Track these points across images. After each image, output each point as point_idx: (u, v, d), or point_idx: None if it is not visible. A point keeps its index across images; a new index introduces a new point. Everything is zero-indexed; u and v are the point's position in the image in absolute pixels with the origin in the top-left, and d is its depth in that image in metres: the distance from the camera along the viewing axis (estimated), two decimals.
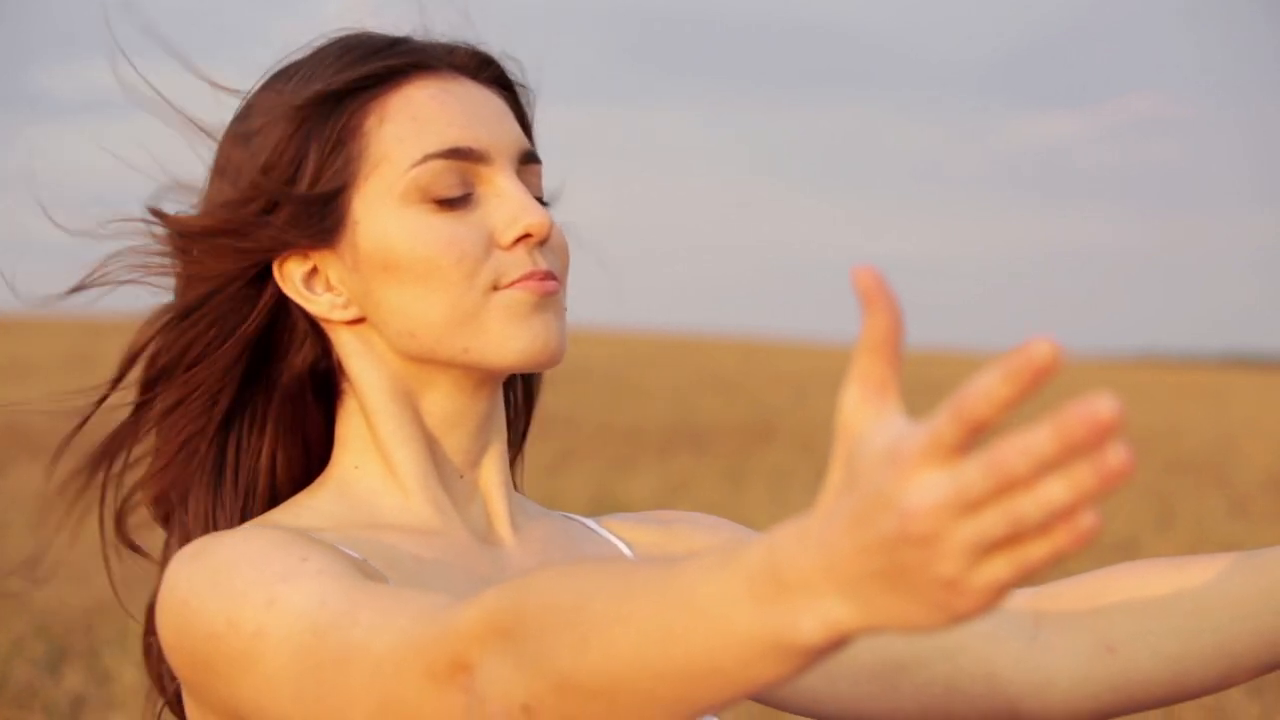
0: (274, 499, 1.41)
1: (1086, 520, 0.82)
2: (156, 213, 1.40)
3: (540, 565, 1.38)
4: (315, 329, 1.41)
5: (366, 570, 1.28)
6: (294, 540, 1.26)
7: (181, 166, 1.43)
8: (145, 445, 1.42)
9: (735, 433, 13.17)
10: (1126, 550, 7.98)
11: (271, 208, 1.37)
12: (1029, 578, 0.84)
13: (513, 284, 1.37)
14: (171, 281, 1.41)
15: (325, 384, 1.43)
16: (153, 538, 1.44)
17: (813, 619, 0.88)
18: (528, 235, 1.38)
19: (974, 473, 0.82)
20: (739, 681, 0.92)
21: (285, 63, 1.42)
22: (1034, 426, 0.81)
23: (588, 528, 1.50)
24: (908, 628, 0.86)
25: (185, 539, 1.38)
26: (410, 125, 1.39)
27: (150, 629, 1.42)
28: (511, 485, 1.46)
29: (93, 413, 1.43)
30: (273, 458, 1.41)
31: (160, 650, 1.41)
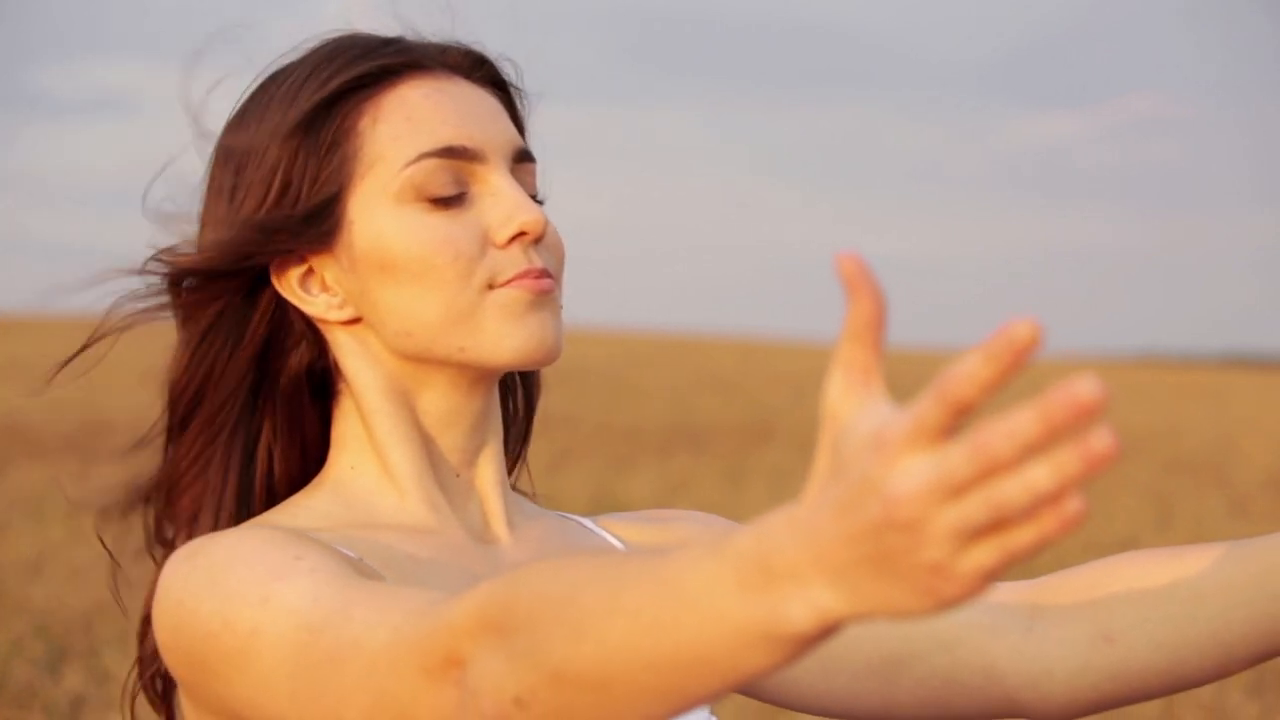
0: (271, 500, 1.41)
1: (1073, 506, 0.82)
2: (157, 259, 1.40)
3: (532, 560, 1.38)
4: (311, 330, 1.41)
5: (362, 569, 1.28)
6: (288, 539, 1.26)
7: (178, 171, 1.43)
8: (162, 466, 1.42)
9: (734, 432, 13.17)
10: (1126, 549, 7.98)
11: (270, 230, 1.37)
12: (1015, 564, 0.84)
13: (508, 282, 1.37)
14: (173, 310, 1.41)
15: (322, 385, 1.43)
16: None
17: (802, 607, 0.88)
18: (523, 233, 1.38)
19: (958, 456, 0.82)
20: (730, 671, 0.92)
21: (277, 66, 1.43)
22: (1017, 409, 0.81)
23: (584, 527, 1.50)
24: (896, 614, 0.87)
25: (187, 538, 1.38)
26: (404, 125, 1.39)
27: (145, 633, 1.42)
28: (508, 484, 1.46)
29: (158, 460, 1.42)
30: (269, 458, 1.42)
31: (155, 650, 1.41)
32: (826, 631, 0.89)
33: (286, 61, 1.42)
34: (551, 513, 1.51)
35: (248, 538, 1.27)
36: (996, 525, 0.83)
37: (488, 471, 1.43)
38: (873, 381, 0.88)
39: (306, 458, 1.43)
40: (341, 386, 1.42)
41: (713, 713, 1.44)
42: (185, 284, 1.38)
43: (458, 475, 1.42)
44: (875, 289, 0.88)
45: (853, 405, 0.88)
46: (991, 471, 0.82)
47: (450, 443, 1.41)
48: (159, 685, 1.43)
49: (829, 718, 1.48)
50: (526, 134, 1.47)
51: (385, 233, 1.38)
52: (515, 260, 1.38)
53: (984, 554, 0.84)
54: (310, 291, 1.40)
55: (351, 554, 1.30)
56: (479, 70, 1.46)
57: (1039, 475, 0.81)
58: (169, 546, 1.39)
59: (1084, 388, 0.80)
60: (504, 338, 1.37)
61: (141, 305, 1.41)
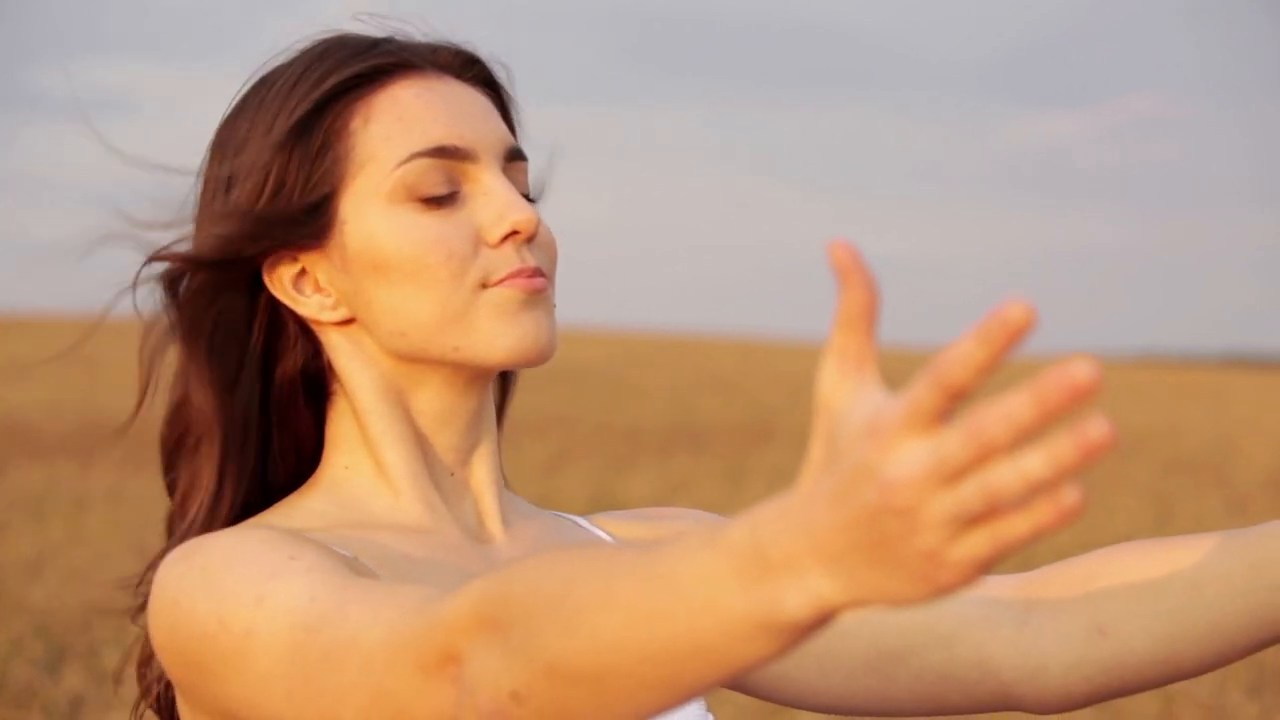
0: (265, 501, 1.42)
1: (1069, 497, 0.82)
2: (155, 257, 1.39)
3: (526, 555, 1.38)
4: (305, 331, 1.41)
5: (357, 568, 1.28)
6: (283, 539, 1.26)
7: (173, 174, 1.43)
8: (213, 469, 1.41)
9: (734, 432, 13.17)
10: None
11: (263, 223, 1.37)
12: (1010, 554, 0.83)
13: (501, 281, 1.37)
14: (172, 316, 1.40)
15: (316, 385, 1.43)
16: None
17: (798, 596, 0.88)
18: (515, 232, 1.38)
19: (954, 441, 0.82)
20: (726, 661, 0.92)
21: (268, 67, 1.43)
22: (1012, 392, 0.81)
23: (579, 525, 1.51)
24: (892, 601, 0.86)
25: (180, 543, 1.38)
26: (396, 125, 1.39)
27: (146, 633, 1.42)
28: (503, 483, 1.46)
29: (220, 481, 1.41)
30: (263, 459, 1.42)
31: (148, 654, 1.41)
32: (823, 620, 0.89)
33: (278, 62, 1.42)
34: (546, 512, 1.52)
35: (243, 538, 1.27)
36: (991, 513, 0.83)
37: (482, 470, 1.43)
38: (866, 369, 0.88)
39: (301, 458, 1.43)
40: (336, 387, 1.42)
41: (709, 710, 1.44)
42: (182, 286, 1.38)
43: (452, 474, 1.42)
44: (867, 277, 0.88)
45: (847, 393, 0.88)
46: (987, 455, 0.82)
47: (445, 442, 1.42)
48: (160, 692, 1.43)
49: (826, 714, 1.48)
50: (518, 133, 1.47)
51: (378, 233, 1.38)
52: (508, 259, 1.38)
53: (978, 542, 0.83)
54: (303, 292, 1.40)
55: (347, 553, 1.31)
56: (470, 70, 1.46)
57: (1034, 462, 0.81)
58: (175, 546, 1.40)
59: (1079, 370, 0.80)
60: (497, 337, 1.37)
61: (140, 300, 1.41)
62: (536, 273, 1.39)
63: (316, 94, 1.39)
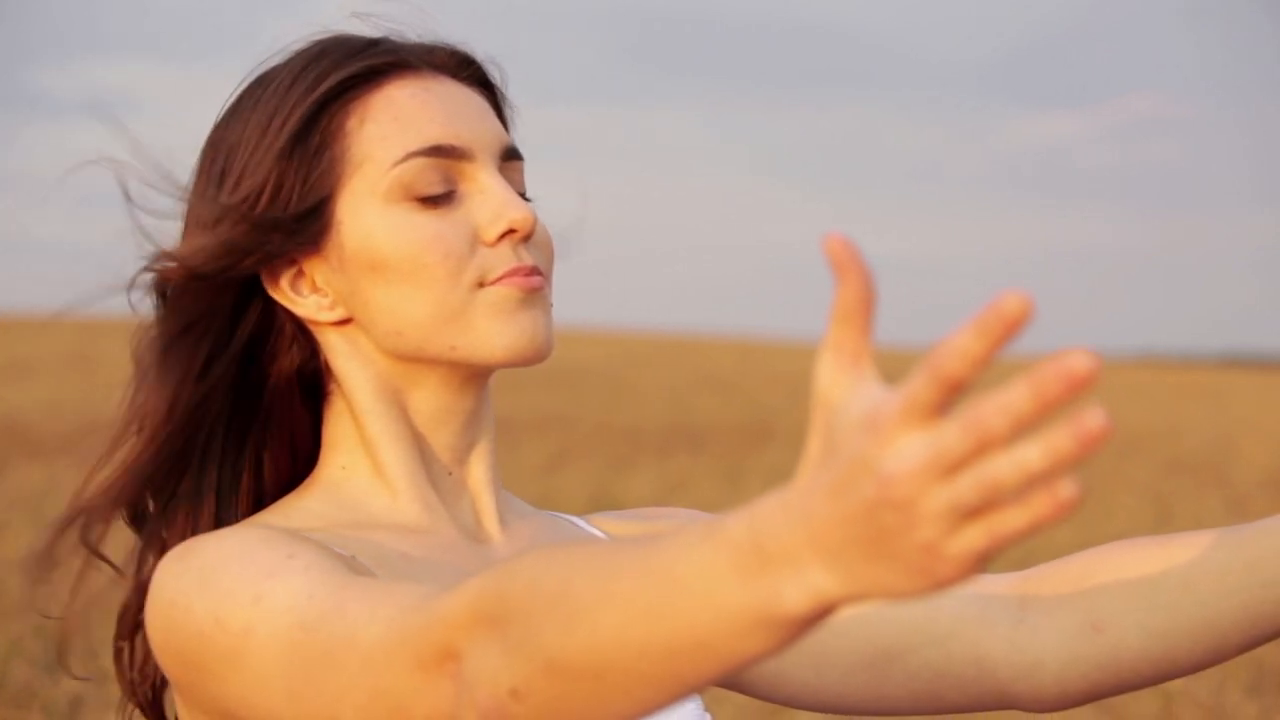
0: (261, 502, 1.42)
1: (1066, 490, 0.81)
2: (148, 269, 1.39)
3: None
4: (302, 331, 1.41)
5: (356, 567, 1.28)
6: (281, 538, 1.26)
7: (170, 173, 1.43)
8: (141, 460, 1.40)
9: (733, 433, 13.17)
10: None
11: (260, 235, 1.37)
12: (1007, 547, 0.83)
13: (498, 280, 1.37)
14: (161, 309, 1.40)
15: (312, 386, 1.43)
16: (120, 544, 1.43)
17: (796, 589, 0.88)
18: (512, 231, 1.38)
19: (952, 434, 0.82)
20: (726, 656, 0.92)
21: (264, 68, 1.43)
22: (1010, 384, 0.81)
23: (576, 525, 1.51)
24: (890, 595, 0.87)
25: (164, 547, 1.37)
26: (392, 124, 1.39)
27: (120, 634, 1.42)
28: (500, 482, 1.46)
29: (112, 451, 1.40)
30: (259, 460, 1.42)
31: (131, 657, 1.41)
32: (822, 614, 0.89)
33: (274, 62, 1.42)
34: (543, 512, 1.52)
35: (240, 537, 1.27)
36: (988, 506, 0.83)
37: (479, 470, 1.43)
38: (863, 363, 0.88)
39: (297, 459, 1.43)
40: (333, 387, 1.42)
41: (706, 710, 1.44)
42: (172, 288, 1.38)
43: (450, 474, 1.42)
44: (863, 271, 0.88)
45: (844, 387, 0.88)
46: (985, 447, 0.82)
47: (442, 441, 1.42)
48: (148, 692, 1.43)
49: (822, 712, 1.48)
50: (513, 133, 1.48)
51: (374, 232, 1.38)
52: (505, 258, 1.38)
53: (976, 535, 0.83)
54: (300, 293, 1.40)
55: (345, 553, 1.30)
56: (466, 70, 1.46)
57: (1030, 454, 0.81)
58: (161, 549, 1.39)
59: (1077, 361, 0.80)
60: (495, 336, 1.37)
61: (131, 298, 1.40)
62: (534, 271, 1.39)
63: (313, 96, 1.39)
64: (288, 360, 1.42)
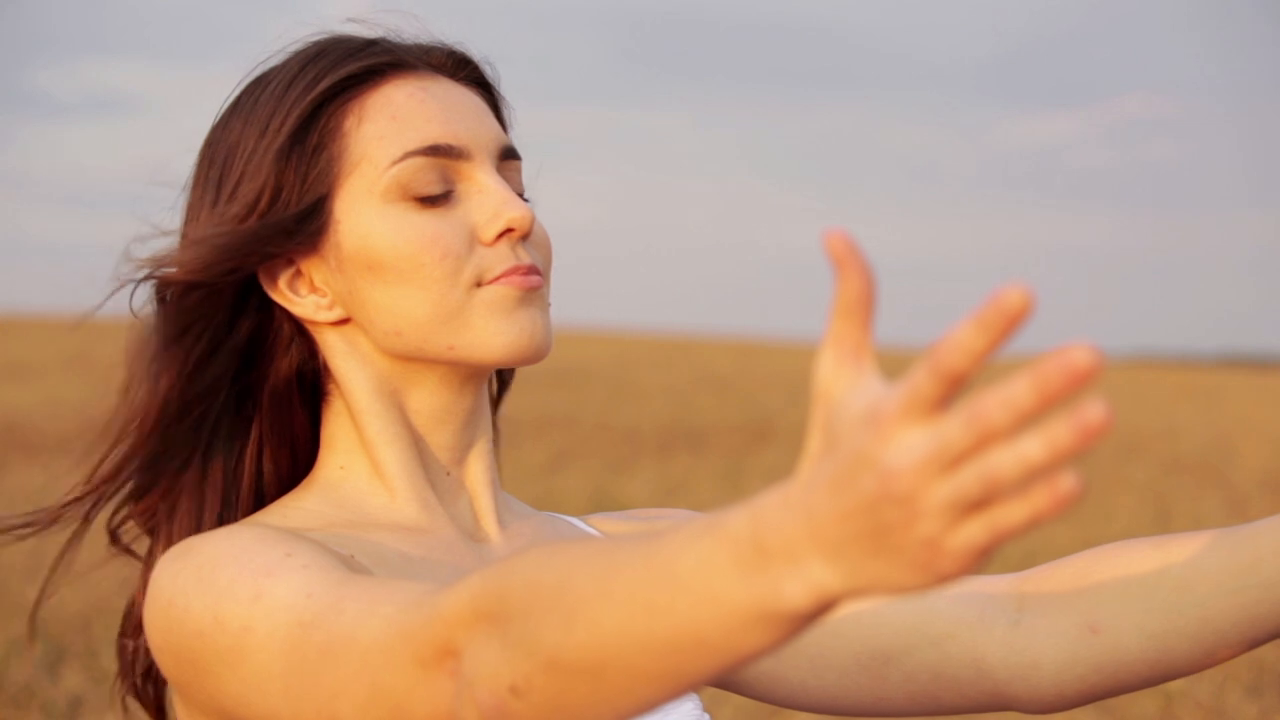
0: (259, 502, 1.42)
1: (1066, 483, 0.81)
2: (150, 275, 1.39)
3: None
4: (300, 331, 1.42)
5: (353, 566, 1.28)
6: (279, 536, 1.26)
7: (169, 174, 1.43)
8: (133, 457, 1.41)
9: (733, 433, 13.16)
10: None
11: (259, 238, 1.37)
12: (1007, 541, 0.83)
13: (496, 279, 1.38)
14: (159, 309, 1.40)
15: (311, 386, 1.43)
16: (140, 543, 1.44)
17: (797, 585, 0.88)
18: (510, 230, 1.38)
19: (954, 428, 0.82)
20: (726, 652, 0.92)
21: (261, 69, 1.43)
22: (1012, 379, 0.81)
23: (575, 526, 1.51)
24: (891, 590, 0.86)
25: (170, 544, 1.38)
26: (390, 124, 1.39)
27: (125, 632, 1.43)
28: (498, 482, 1.46)
29: (110, 451, 1.41)
30: (258, 460, 1.42)
31: (134, 653, 1.41)
32: (823, 609, 0.89)
33: (271, 63, 1.43)
34: (542, 513, 1.52)
35: (238, 536, 1.27)
36: (989, 500, 0.83)
37: (478, 469, 1.43)
38: (864, 358, 0.88)
39: (296, 459, 1.44)
40: (331, 387, 1.42)
41: (705, 710, 1.44)
42: (171, 292, 1.38)
43: (448, 473, 1.42)
44: (864, 265, 0.88)
45: (844, 382, 0.88)
46: (986, 441, 0.82)
47: (440, 441, 1.42)
48: (150, 690, 1.43)
49: (819, 713, 1.48)
50: (511, 133, 1.48)
51: (372, 232, 1.38)
52: (503, 257, 1.38)
53: (977, 530, 0.83)
54: (299, 293, 1.40)
55: (343, 552, 1.31)
56: (463, 70, 1.46)
57: (1031, 447, 0.81)
58: (155, 544, 1.40)
59: (1078, 356, 0.80)
60: (493, 335, 1.37)
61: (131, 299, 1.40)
62: (532, 270, 1.39)
63: (310, 96, 1.39)
64: (286, 360, 1.42)
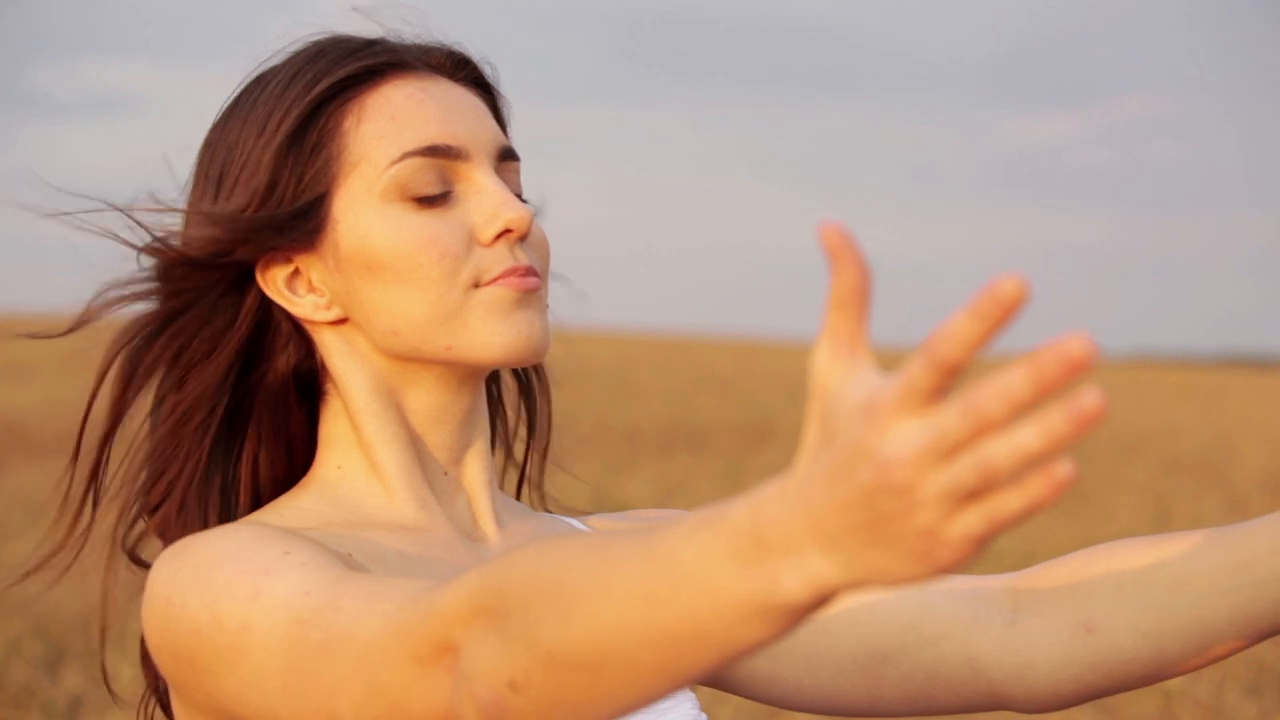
0: (257, 501, 1.42)
1: (1062, 470, 0.82)
2: (148, 249, 1.39)
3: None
4: (298, 331, 1.42)
5: (351, 564, 1.28)
6: (277, 535, 1.26)
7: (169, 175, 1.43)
8: (139, 459, 1.41)
9: (733, 432, 13.16)
10: None
11: (256, 227, 1.38)
12: (1005, 530, 0.83)
13: (494, 280, 1.38)
14: (157, 300, 1.40)
15: (309, 385, 1.43)
16: (152, 547, 1.44)
17: (796, 577, 0.88)
18: (508, 231, 1.38)
19: (950, 418, 0.82)
20: (725, 645, 0.92)
21: (260, 69, 1.43)
22: (1008, 369, 0.81)
23: (573, 527, 1.51)
24: (890, 581, 0.87)
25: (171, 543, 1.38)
26: (388, 124, 1.39)
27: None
28: (496, 482, 1.47)
29: (83, 427, 1.42)
30: (255, 460, 1.42)
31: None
32: (821, 601, 0.89)
33: (271, 63, 1.43)
34: (540, 513, 1.52)
35: (236, 534, 1.27)
36: (986, 489, 0.83)
37: (475, 469, 1.43)
38: (859, 350, 0.88)
39: (293, 459, 1.44)
40: (329, 387, 1.42)
41: (703, 710, 1.44)
42: (170, 278, 1.38)
43: (445, 473, 1.42)
44: (859, 258, 0.88)
45: (841, 374, 0.88)
46: (983, 431, 0.82)
47: (438, 441, 1.42)
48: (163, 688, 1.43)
49: (816, 713, 1.48)
50: (509, 134, 1.48)
51: (370, 232, 1.38)
52: (501, 258, 1.38)
53: (974, 519, 0.83)
54: (297, 292, 1.41)
55: (341, 551, 1.31)
56: (462, 71, 1.46)
57: (1027, 436, 0.81)
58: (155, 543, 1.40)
59: (1074, 346, 0.80)
60: (491, 336, 1.37)
61: (129, 291, 1.40)
62: (530, 271, 1.39)
63: (309, 96, 1.39)
64: (284, 360, 1.42)
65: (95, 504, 1.42)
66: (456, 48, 1.47)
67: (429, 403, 1.41)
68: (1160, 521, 9.31)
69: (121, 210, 1.39)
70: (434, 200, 1.38)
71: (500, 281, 1.38)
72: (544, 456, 1.54)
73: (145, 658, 1.43)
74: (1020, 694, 1.42)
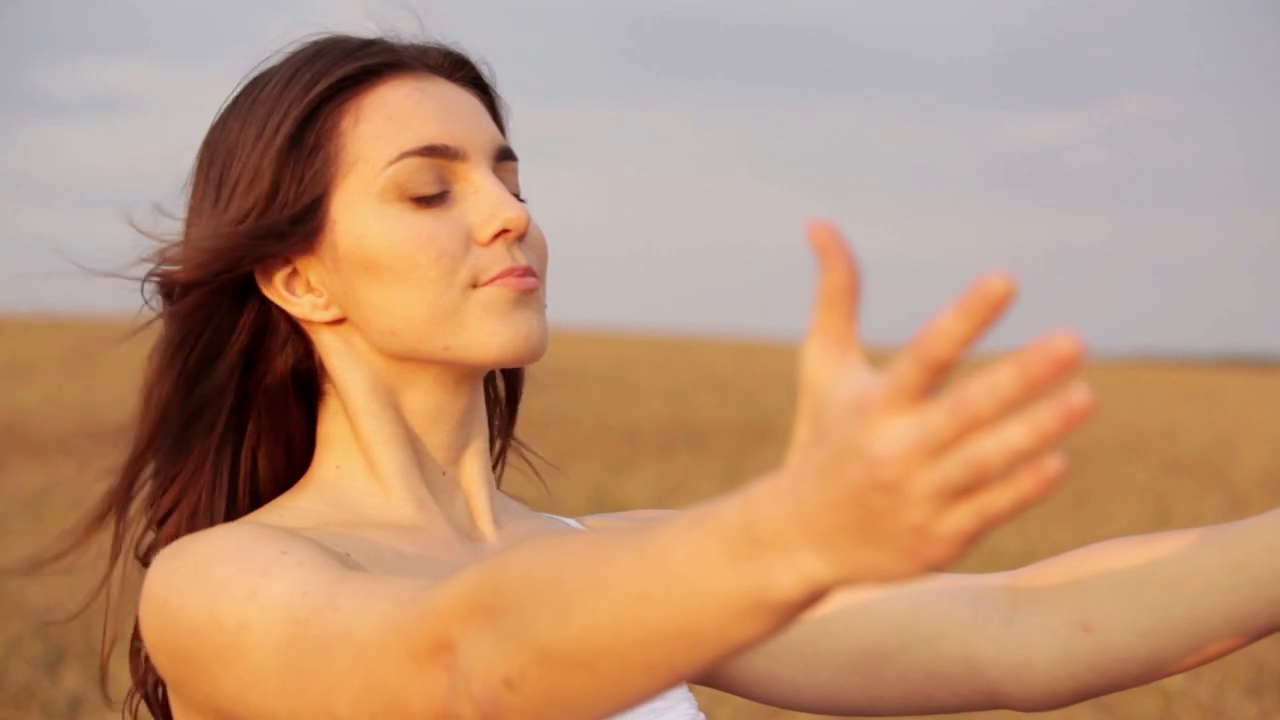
0: (256, 501, 1.42)
1: (1051, 466, 0.82)
2: (150, 275, 1.39)
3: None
4: (297, 331, 1.42)
5: (349, 564, 1.28)
6: (274, 534, 1.26)
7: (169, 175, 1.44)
8: (150, 465, 1.42)
9: (732, 432, 13.16)
10: None
11: (256, 238, 1.38)
12: (995, 527, 0.84)
13: (492, 280, 1.38)
14: (161, 312, 1.41)
15: (307, 385, 1.43)
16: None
17: (788, 575, 0.88)
18: (506, 231, 1.39)
19: (939, 416, 0.83)
20: (718, 642, 0.92)
21: (258, 70, 1.43)
22: (996, 367, 0.81)
23: (572, 527, 1.51)
24: (881, 578, 0.87)
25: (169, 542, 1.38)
26: (386, 124, 1.39)
27: (138, 635, 1.43)
28: (494, 482, 1.47)
29: (133, 476, 1.41)
30: (253, 460, 1.42)
31: (147, 659, 1.41)
32: (814, 599, 0.90)
33: (269, 64, 1.43)
34: (538, 513, 1.52)
35: (233, 534, 1.27)
36: (975, 486, 0.83)
37: (473, 469, 1.44)
38: (849, 348, 0.89)
39: (291, 459, 1.44)
40: (327, 386, 1.43)
41: (701, 711, 1.44)
42: (173, 294, 1.39)
43: (443, 473, 1.43)
44: (848, 256, 0.88)
45: (830, 372, 0.88)
46: (972, 428, 0.82)
47: (436, 440, 1.42)
48: (161, 694, 1.44)
49: (814, 713, 1.48)
50: (507, 134, 1.48)
51: (368, 232, 1.38)
52: (499, 258, 1.38)
53: (964, 516, 0.84)
54: (295, 293, 1.41)
55: (339, 550, 1.31)
56: (459, 71, 1.46)
57: (1016, 433, 0.82)
58: (154, 548, 1.40)
59: (1062, 343, 0.80)
60: (488, 336, 1.38)
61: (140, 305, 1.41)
62: (527, 272, 1.39)
63: (308, 97, 1.39)
64: (283, 360, 1.42)
65: (119, 522, 1.42)
66: (454, 48, 1.47)
67: (427, 402, 1.41)
68: (1160, 521, 9.31)
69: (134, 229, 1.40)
70: (432, 200, 1.39)
71: (498, 281, 1.38)
72: (502, 449, 1.54)
73: (133, 655, 1.43)
74: (1017, 693, 1.42)
